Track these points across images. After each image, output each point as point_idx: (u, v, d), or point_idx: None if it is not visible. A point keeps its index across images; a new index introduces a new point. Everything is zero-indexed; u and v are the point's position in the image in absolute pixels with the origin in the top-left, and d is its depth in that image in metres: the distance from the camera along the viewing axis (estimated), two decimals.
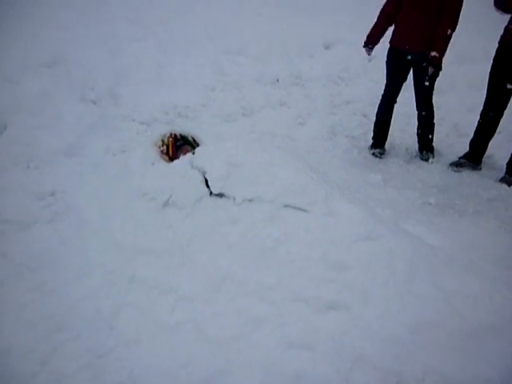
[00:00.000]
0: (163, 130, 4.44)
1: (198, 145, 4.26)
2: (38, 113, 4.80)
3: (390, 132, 4.75)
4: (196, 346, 2.27)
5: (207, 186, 2.92)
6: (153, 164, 3.56)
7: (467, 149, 4.51)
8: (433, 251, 2.66)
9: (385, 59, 6.78)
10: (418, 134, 4.63)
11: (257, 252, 2.56)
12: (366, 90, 6.22)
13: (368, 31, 4.60)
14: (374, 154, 4.66)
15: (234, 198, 2.79)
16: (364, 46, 4.71)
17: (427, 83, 4.22)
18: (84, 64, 6.12)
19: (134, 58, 6.54)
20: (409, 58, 4.28)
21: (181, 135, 4.37)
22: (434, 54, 4.02)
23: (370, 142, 4.80)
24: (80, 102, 5.24)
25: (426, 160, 4.55)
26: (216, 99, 5.82)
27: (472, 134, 4.39)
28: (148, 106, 5.30)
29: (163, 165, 3.41)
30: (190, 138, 4.39)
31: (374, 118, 5.51)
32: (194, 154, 3.83)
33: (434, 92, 4.40)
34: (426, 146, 4.59)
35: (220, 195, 2.87)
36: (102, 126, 4.79)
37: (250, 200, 2.74)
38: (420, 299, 2.30)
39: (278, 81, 6.51)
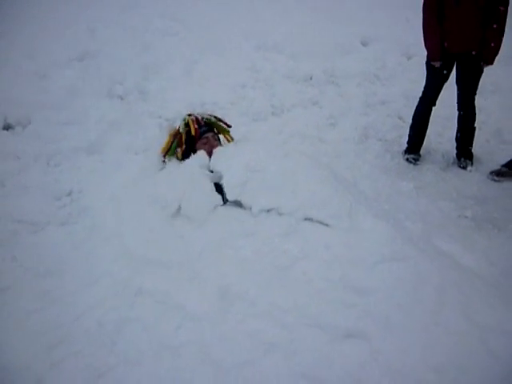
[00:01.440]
0: None
1: (229, 126, 3.78)
2: (64, 108, 4.73)
3: (426, 136, 4.47)
4: (200, 371, 2.09)
5: (218, 192, 2.75)
6: (161, 168, 3.33)
7: (510, 157, 4.20)
8: (467, 276, 2.42)
9: (424, 58, 6.47)
10: (456, 139, 4.34)
11: (271, 269, 2.36)
12: (403, 89, 5.93)
13: (428, 46, 4.21)
14: (407, 159, 4.39)
15: (251, 208, 2.61)
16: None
17: (474, 81, 4.03)
18: (114, 58, 6.05)
19: (166, 52, 6.43)
20: (455, 58, 4.05)
21: (205, 120, 3.65)
22: (491, 45, 3.82)
23: (405, 146, 4.53)
24: (106, 98, 5.16)
25: (464, 168, 4.26)
26: (246, 97, 5.64)
27: None
28: (175, 103, 5.17)
29: (175, 166, 3.18)
30: (215, 121, 3.72)
31: (410, 121, 5.23)
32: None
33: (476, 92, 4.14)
34: (465, 152, 4.30)
35: (236, 203, 2.69)
36: (126, 123, 4.68)
37: (268, 211, 2.55)
38: (449, 333, 2.06)
39: (311, 78, 6.28)
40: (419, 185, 3.94)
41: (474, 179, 4.08)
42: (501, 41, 3.85)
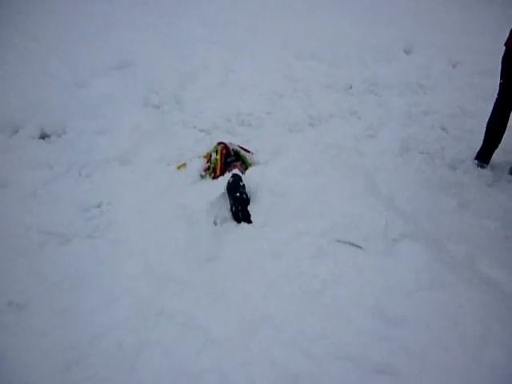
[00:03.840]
0: (223, 138, 4.16)
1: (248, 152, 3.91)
2: (99, 117, 4.73)
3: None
4: None
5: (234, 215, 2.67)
6: (193, 183, 3.28)
7: None
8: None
9: (469, 64, 6.17)
10: None
11: (300, 294, 2.22)
12: (448, 99, 5.68)
13: None
14: (477, 164, 4.20)
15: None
16: None
17: None
18: (152, 67, 6.06)
19: (204, 61, 6.40)
20: None
21: (234, 150, 3.84)
22: None
23: (475, 152, 4.27)
24: (142, 107, 5.14)
25: None
26: (283, 106, 5.52)
27: None
28: (211, 113, 5.10)
29: (207, 182, 3.13)
30: (243, 154, 3.89)
31: (454, 132, 5.01)
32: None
33: None
34: None
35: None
36: (160, 132, 4.63)
37: (298, 233, 2.40)
38: (493, 373, 1.86)
39: (350, 87, 6.11)
40: (463, 201, 3.70)
41: None
42: None
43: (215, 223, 2.75)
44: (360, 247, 2.36)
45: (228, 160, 3.66)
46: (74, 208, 3.47)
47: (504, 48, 3.98)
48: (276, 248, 2.37)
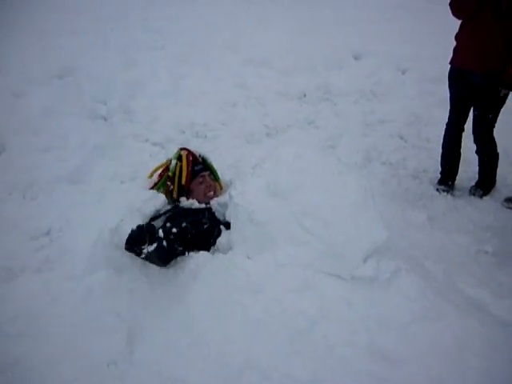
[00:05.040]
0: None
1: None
2: (42, 131, 4.36)
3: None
4: None
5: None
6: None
7: None
8: (506, 334, 2.11)
9: (418, 71, 6.17)
10: (478, 166, 4.02)
11: (286, 333, 2.01)
12: (402, 107, 5.68)
13: None
14: (438, 189, 4.05)
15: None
16: None
17: (491, 115, 3.66)
18: (96, 75, 5.71)
19: (151, 68, 6.12)
20: (474, 80, 3.64)
21: (201, 157, 3.43)
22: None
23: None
24: (89, 119, 4.80)
25: (473, 195, 3.97)
26: (237, 116, 5.32)
27: None
28: (163, 124, 4.83)
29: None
30: (211, 162, 3.48)
31: (412, 141, 4.99)
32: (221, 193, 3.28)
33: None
34: (486, 182, 4.00)
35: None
36: (111, 147, 4.31)
37: (279, 265, 2.20)
38: None
39: (304, 96, 6.01)
40: (431, 215, 3.63)
41: (488, 208, 3.80)
42: None
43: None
44: (344, 278, 2.18)
45: (196, 168, 3.27)
46: (19, 236, 3.13)
47: (449, 66, 3.88)
48: (256, 281, 2.16)
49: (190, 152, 3.33)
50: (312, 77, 6.29)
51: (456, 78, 3.78)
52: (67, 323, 2.33)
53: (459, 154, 4.02)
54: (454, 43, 3.79)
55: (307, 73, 6.39)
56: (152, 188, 3.29)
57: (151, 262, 2.47)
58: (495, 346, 1.99)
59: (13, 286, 2.65)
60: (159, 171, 3.38)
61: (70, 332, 2.25)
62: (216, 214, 2.91)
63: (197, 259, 2.41)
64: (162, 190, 3.23)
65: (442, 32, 7.24)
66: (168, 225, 2.60)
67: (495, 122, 3.73)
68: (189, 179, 3.20)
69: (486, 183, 3.97)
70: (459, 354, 1.92)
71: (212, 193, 3.19)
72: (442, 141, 4.13)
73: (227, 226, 2.66)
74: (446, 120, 4.02)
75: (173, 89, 5.70)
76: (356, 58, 7.03)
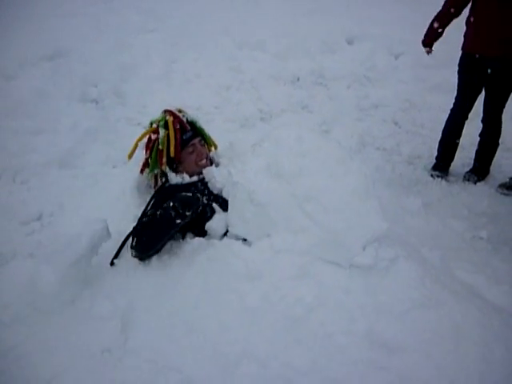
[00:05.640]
0: None
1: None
2: (33, 114, 4.29)
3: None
4: None
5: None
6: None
7: None
8: (505, 321, 2.10)
9: (414, 56, 6.14)
10: (476, 152, 4.01)
11: (284, 321, 1.98)
12: (395, 92, 5.66)
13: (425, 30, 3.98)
14: (432, 175, 4.05)
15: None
16: (423, 46, 4.06)
17: (504, 97, 3.70)
18: (88, 57, 5.63)
19: (143, 51, 6.03)
20: (488, 65, 3.62)
21: (189, 121, 2.95)
22: None
23: (433, 161, 4.17)
24: (80, 102, 4.74)
25: (468, 180, 3.96)
26: (231, 100, 5.27)
27: None
28: (156, 107, 4.72)
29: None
30: (201, 125, 3.05)
31: (406, 127, 4.97)
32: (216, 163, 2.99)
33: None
34: (480, 169, 3.98)
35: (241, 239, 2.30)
36: (102, 131, 4.25)
37: (277, 251, 2.16)
38: None
39: (298, 80, 5.97)
40: (426, 201, 3.62)
41: (483, 193, 3.80)
42: None
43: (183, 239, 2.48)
44: (342, 266, 2.15)
45: (184, 137, 2.85)
46: (10, 221, 3.08)
47: (461, 52, 3.84)
48: (253, 268, 2.12)
49: (176, 117, 2.89)
50: (306, 61, 6.24)
51: (468, 64, 3.75)
52: (60, 311, 2.29)
53: (458, 142, 4.00)
54: (464, 28, 3.75)
55: (301, 57, 6.34)
56: (143, 170, 3.02)
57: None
58: (493, 333, 1.98)
59: (3, 272, 2.60)
60: (144, 140, 2.98)
61: (63, 319, 2.21)
62: (209, 184, 2.71)
63: (192, 245, 2.37)
64: (156, 171, 2.95)
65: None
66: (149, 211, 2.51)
67: (506, 103, 3.74)
68: (178, 150, 2.82)
69: (481, 169, 3.97)
70: (458, 341, 1.90)
71: (204, 161, 2.88)
72: (438, 126, 4.12)
73: (222, 202, 2.53)
74: (451, 106, 3.99)
75: (165, 72, 5.63)
76: (350, 42, 6.99)
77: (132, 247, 2.41)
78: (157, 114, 4.59)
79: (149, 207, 2.65)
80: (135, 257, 2.42)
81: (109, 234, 2.53)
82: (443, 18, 3.78)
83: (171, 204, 2.29)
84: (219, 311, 2.06)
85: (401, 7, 8.12)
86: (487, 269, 2.87)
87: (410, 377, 1.81)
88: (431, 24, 3.88)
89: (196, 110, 4.81)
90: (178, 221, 2.29)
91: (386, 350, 1.88)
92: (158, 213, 2.34)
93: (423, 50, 4.06)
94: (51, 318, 2.21)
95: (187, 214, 2.27)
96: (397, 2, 8.39)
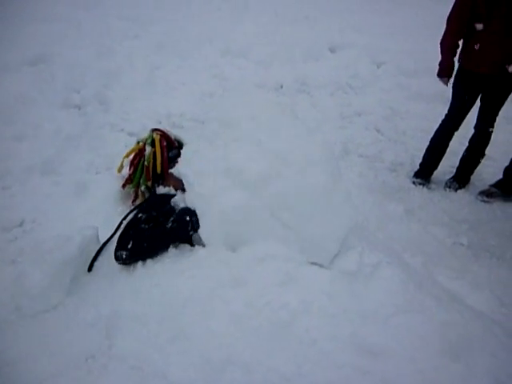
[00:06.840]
0: None
1: None
2: (15, 120, 4.25)
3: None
4: None
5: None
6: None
7: (496, 174, 4.01)
8: (487, 325, 2.14)
9: (394, 65, 6.22)
10: (461, 159, 4.07)
11: (269, 327, 2.00)
12: (378, 100, 5.72)
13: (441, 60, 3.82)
14: (414, 182, 4.10)
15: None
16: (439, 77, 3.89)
17: (501, 103, 3.74)
18: (70, 63, 5.59)
19: (127, 58, 6.02)
20: (485, 81, 3.65)
21: (177, 140, 3.12)
22: None
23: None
24: (62, 108, 4.69)
25: (449, 188, 4.02)
26: (215, 107, 5.26)
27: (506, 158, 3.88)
28: (139, 114, 4.75)
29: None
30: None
31: (389, 134, 5.02)
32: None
33: None
34: (462, 177, 4.05)
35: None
36: (85, 137, 4.23)
37: (261, 258, 2.18)
38: None
39: (281, 87, 6.01)
40: (408, 207, 3.67)
41: (463, 200, 3.86)
42: None
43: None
44: (326, 268, 2.18)
45: (170, 155, 2.97)
46: None
47: (457, 65, 3.83)
48: (238, 275, 2.13)
49: (163, 135, 3.04)
50: (289, 68, 6.29)
51: (466, 78, 3.75)
52: (44, 317, 2.27)
53: (445, 151, 4.06)
54: (461, 43, 3.72)
55: (284, 64, 6.39)
56: (125, 185, 3.07)
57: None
58: (475, 338, 2.01)
59: None
60: (130, 157, 3.09)
61: (48, 325, 2.20)
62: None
63: (177, 252, 2.37)
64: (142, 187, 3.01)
65: (420, 26, 7.33)
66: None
67: (499, 111, 3.79)
68: (166, 166, 2.93)
69: (462, 177, 4.03)
70: (442, 347, 1.93)
71: None
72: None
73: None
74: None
75: (148, 79, 5.62)
76: (332, 50, 7.06)
77: (121, 249, 2.37)
78: (140, 121, 4.61)
79: (139, 214, 2.62)
80: (120, 260, 2.39)
81: (98, 241, 2.52)
82: (454, 50, 3.71)
83: (187, 218, 2.37)
84: (204, 318, 2.06)
85: (383, 17, 8.25)
86: (468, 274, 2.93)
87: (395, 381, 1.83)
88: (444, 57, 3.76)
89: (180, 117, 4.84)
90: (191, 233, 2.39)
91: (371, 354, 1.91)
92: (172, 225, 2.39)
93: (439, 80, 3.91)
94: (35, 323, 2.19)
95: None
96: (379, 12, 8.52)
